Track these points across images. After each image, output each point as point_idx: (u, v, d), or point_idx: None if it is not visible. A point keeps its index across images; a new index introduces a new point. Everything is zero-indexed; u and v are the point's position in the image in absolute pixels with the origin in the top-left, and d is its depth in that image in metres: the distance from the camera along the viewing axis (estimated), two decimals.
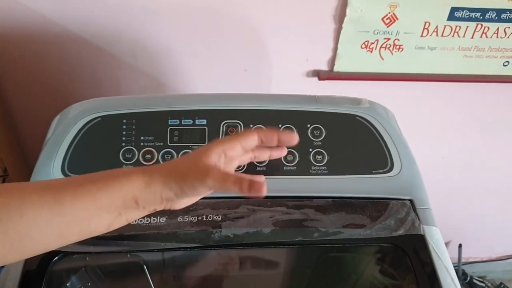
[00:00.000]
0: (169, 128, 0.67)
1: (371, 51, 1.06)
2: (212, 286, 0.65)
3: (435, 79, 1.11)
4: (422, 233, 0.62)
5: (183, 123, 0.67)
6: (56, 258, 0.58)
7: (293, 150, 0.67)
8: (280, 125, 0.68)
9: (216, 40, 1.03)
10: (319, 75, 1.09)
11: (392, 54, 1.06)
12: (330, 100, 0.71)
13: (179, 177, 0.46)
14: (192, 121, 0.67)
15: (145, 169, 0.47)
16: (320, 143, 0.68)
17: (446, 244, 1.56)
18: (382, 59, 1.07)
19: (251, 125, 0.68)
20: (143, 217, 0.61)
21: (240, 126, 0.68)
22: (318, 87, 1.11)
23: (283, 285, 0.66)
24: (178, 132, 0.67)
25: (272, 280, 0.66)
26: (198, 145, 0.66)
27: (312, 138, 0.68)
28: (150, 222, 0.61)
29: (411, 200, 0.66)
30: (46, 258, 0.57)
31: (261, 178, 0.48)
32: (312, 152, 0.68)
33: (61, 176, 0.64)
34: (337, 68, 1.08)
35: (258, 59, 1.07)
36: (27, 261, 0.56)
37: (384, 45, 1.05)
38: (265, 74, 1.09)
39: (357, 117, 0.70)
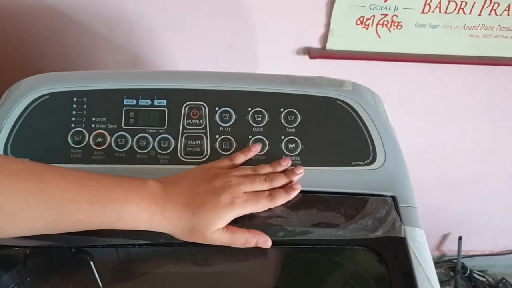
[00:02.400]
0: (124, 109, 0.60)
1: (367, 28, 0.97)
2: (164, 285, 0.59)
3: (437, 60, 1.02)
4: (403, 236, 0.55)
5: (140, 103, 0.60)
6: None
7: (262, 137, 0.60)
8: (249, 108, 0.61)
9: (198, 12, 0.95)
10: (310, 53, 1.01)
11: (390, 31, 0.98)
12: (308, 82, 0.63)
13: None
14: (150, 102, 0.60)
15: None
16: (293, 129, 0.61)
17: (445, 236, 1.49)
18: (379, 37, 0.98)
19: (217, 108, 0.60)
20: None
21: (204, 108, 0.60)
22: (309, 66, 1.02)
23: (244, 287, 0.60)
24: (134, 114, 0.60)
25: (233, 281, 0.59)
26: (156, 129, 0.59)
27: (285, 124, 0.61)
28: None
29: (393, 197, 0.59)
30: None
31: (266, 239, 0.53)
32: (284, 140, 0.60)
33: None
34: (329, 45, 1.00)
35: (244, 34, 0.99)
36: None
37: (381, 22, 0.96)
38: (252, 51, 1.01)
39: (337, 101, 0.62)
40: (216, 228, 0.50)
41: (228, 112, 0.61)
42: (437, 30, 0.97)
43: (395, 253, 0.54)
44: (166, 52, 1.00)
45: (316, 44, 1.01)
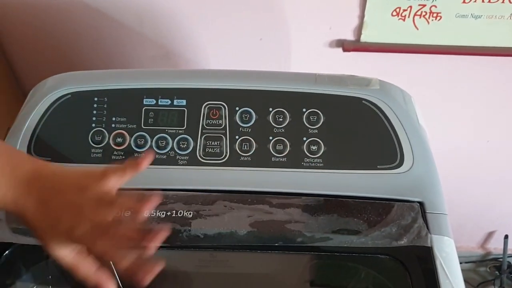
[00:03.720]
0: (144, 109, 0.59)
1: (404, 19, 0.93)
2: (185, 284, 0.59)
3: (479, 52, 0.96)
4: (429, 245, 0.52)
5: (159, 103, 0.59)
6: (10, 249, 0.52)
7: (283, 139, 0.58)
8: (270, 109, 0.59)
9: (229, 5, 0.94)
10: (343, 45, 0.98)
11: (428, 23, 0.93)
12: (333, 80, 0.61)
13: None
14: (170, 102, 0.59)
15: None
16: (316, 131, 0.58)
17: (491, 234, 1.43)
18: (417, 28, 0.94)
19: (237, 108, 0.59)
20: None
21: (224, 108, 0.59)
22: (342, 59, 0.99)
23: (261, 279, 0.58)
24: (153, 114, 0.59)
25: (248, 284, 0.58)
26: (175, 129, 0.59)
27: (308, 125, 0.59)
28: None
29: (421, 203, 0.56)
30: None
31: None
32: (307, 142, 0.58)
33: None
34: (364, 38, 0.96)
35: (275, 26, 0.97)
36: None
37: (418, 13, 0.91)
38: (283, 44, 0.99)
39: (363, 101, 0.59)
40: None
41: (248, 112, 0.59)
42: (479, 20, 0.92)
43: (420, 263, 0.51)
44: (197, 46, 1.00)
45: (349, 36, 0.97)
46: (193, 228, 0.53)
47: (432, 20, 0.92)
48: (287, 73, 0.62)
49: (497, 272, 1.47)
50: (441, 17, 0.92)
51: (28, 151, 0.58)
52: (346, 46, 0.98)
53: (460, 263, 1.47)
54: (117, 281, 0.57)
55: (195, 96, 0.59)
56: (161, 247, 0.51)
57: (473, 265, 1.52)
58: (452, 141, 1.16)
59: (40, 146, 0.59)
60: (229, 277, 0.61)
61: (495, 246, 1.48)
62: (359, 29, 0.95)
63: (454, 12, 0.91)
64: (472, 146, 1.18)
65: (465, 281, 1.46)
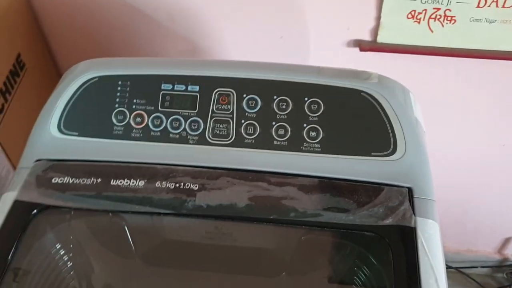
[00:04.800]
0: (161, 93, 0.66)
1: (419, 22, 0.96)
2: (187, 253, 0.65)
3: (494, 56, 0.99)
4: (413, 226, 0.56)
5: (175, 88, 0.66)
6: (36, 210, 0.59)
7: (285, 124, 0.63)
8: (275, 97, 0.64)
9: (253, 4, 1.00)
10: (360, 45, 1.02)
11: (443, 26, 0.96)
12: (334, 73, 0.65)
13: None
14: (184, 87, 0.66)
15: None
16: (316, 118, 0.63)
17: (508, 239, 1.43)
18: (432, 31, 0.97)
19: (244, 95, 0.65)
20: (123, 179, 0.61)
21: (233, 94, 0.65)
22: (359, 58, 1.03)
23: (259, 263, 0.64)
24: (169, 97, 0.65)
25: (248, 257, 0.63)
26: (188, 112, 0.65)
27: (308, 113, 0.64)
28: (129, 184, 0.61)
29: (409, 189, 0.60)
30: (27, 210, 0.59)
31: None
32: (306, 128, 0.63)
33: (58, 134, 0.66)
34: (380, 39, 1.00)
35: (296, 25, 1.02)
36: (9, 213, 0.59)
37: (433, 16, 0.95)
38: (303, 42, 1.04)
39: (361, 93, 0.64)
40: None
41: (254, 99, 0.65)
42: (494, 25, 0.94)
43: (402, 242, 0.55)
44: (221, 42, 1.06)
45: (366, 37, 1.01)
46: (198, 199, 0.59)
47: (447, 23, 0.96)
48: (292, 65, 0.67)
49: None
50: (455, 20, 0.95)
51: (58, 126, 0.66)
52: (363, 46, 1.02)
53: (476, 267, 1.49)
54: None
55: (207, 83, 0.65)
56: (168, 214, 0.58)
57: (489, 270, 1.52)
58: (465, 145, 1.19)
59: (69, 122, 0.66)
60: (231, 249, 0.66)
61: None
62: (375, 30, 1.00)
63: (468, 16, 0.94)
64: (486, 150, 1.20)
65: (481, 286, 1.47)
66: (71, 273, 0.63)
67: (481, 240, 1.47)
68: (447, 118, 1.13)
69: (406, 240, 0.55)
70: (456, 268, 1.49)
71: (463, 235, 1.46)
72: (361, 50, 1.02)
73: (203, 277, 0.66)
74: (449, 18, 0.95)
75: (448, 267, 1.48)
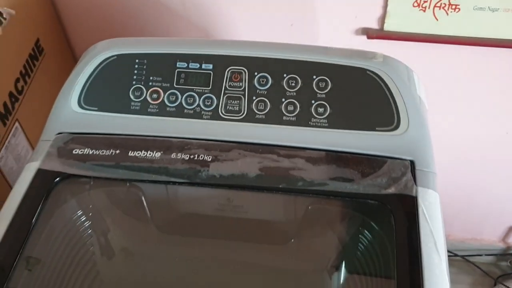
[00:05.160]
0: (176, 71, 0.69)
1: (424, 10, 0.99)
2: (199, 223, 0.68)
3: (497, 44, 1.01)
4: (414, 195, 0.59)
5: (190, 66, 0.69)
6: (60, 178, 0.63)
7: (294, 101, 0.67)
8: (285, 75, 0.68)
9: None
10: (367, 33, 1.05)
11: (447, 14, 0.99)
12: (342, 52, 0.69)
13: None
14: (199, 65, 0.69)
15: None
16: (324, 95, 0.67)
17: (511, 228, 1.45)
18: (437, 19, 1.00)
19: (256, 73, 0.68)
20: (140, 150, 0.65)
21: (245, 72, 0.68)
22: (367, 46, 1.06)
23: (269, 232, 0.67)
24: (184, 75, 0.69)
25: (258, 226, 0.67)
26: (202, 89, 0.68)
27: (317, 90, 0.67)
28: (146, 155, 0.64)
29: (412, 161, 0.63)
30: (50, 178, 0.63)
31: None
32: (315, 104, 0.67)
33: (78, 109, 0.70)
34: (387, 27, 1.03)
35: (306, 14, 1.05)
36: (33, 180, 0.62)
37: (438, 4, 0.98)
38: (312, 30, 1.07)
39: (367, 71, 0.67)
40: None
41: (265, 77, 0.68)
42: (496, 13, 0.97)
43: (404, 209, 0.59)
44: (232, 29, 1.09)
45: (374, 25, 1.04)
46: (211, 169, 0.62)
47: (451, 12, 0.98)
48: (301, 45, 0.70)
49: None
50: (459, 9, 0.98)
51: (79, 102, 0.70)
52: (370, 34, 1.05)
53: (481, 255, 1.51)
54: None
55: (220, 62, 0.69)
56: (183, 183, 0.61)
57: (494, 259, 1.55)
58: (470, 132, 1.21)
59: (89, 98, 0.70)
60: (242, 220, 0.70)
61: None
62: (382, 19, 1.03)
63: (472, 5, 0.97)
64: (490, 138, 1.22)
65: (486, 273, 1.49)
66: (90, 238, 0.67)
67: (485, 229, 1.49)
68: (451, 106, 1.16)
69: (407, 207, 0.58)
70: (462, 256, 1.51)
71: (468, 224, 1.48)
72: (368, 37, 1.05)
73: (214, 245, 0.69)
74: (453, 7, 0.98)
75: (454, 255, 1.51)
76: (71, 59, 1.18)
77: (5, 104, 0.90)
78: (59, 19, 1.12)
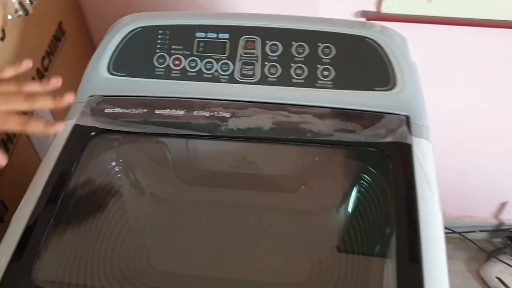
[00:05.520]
0: (196, 40, 0.77)
1: None
2: (217, 176, 0.76)
3: (492, 25, 1.09)
4: (410, 143, 0.67)
5: (208, 36, 0.77)
6: (94, 133, 0.71)
7: (302, 65, 0.75)
8: (293, 42, 0.76)
9: None
10: (367, 15, 1.13)
11: None
12: (344, 23, 0.77)
13: None
14: (216, 35, 0.77)
15: None
16: (328, 60, 0.75)
17: (503, 204, 1.53)
18: (430, 0, 1.08)
19: (267, 41, 0.76)
20: (165, 109, 0.73)
21: (257, 41, 0.76)
22: None
23: (281, 181, 0.75)
24: (203, 44, 0.77)
25: (271, 177, 0.75)
26: (219, 56, 0.76)
27: (322, 56, 0.75)
28: (170, 113, 0.72)
29: (407, 116, 0.71)
30: (85, 132, 0.71)
31: None
32: (320, 68, 0.75)
33: (107, 75, 0.78)
34: (384, 9, 1.11)
35: None
36: (70, 135, 0.70)
37: None
38: (314, 13, 1.15)
39: (366, 39, 0.75)
40: None
41: (276, 45, 0.76)
42: None
43: (400, 155, 0.66)
44: (235, 8, 1.16)
45: (372, 7, 1.12)
46: (230, 123, 0.70)
47: None
48: (307, 17, 0.78)
49: (509, 242, 1.57)
50: None
51: (108, 68, 0.78)
52: (369, 16, 1.13)
53: (474, 231, 1.58)
54: None
55: (236, 32, 0.77)
56: (204, 136, 0.69)
57: (488, 236, 1.62)
58: (462, 110, 1.29)
59: (117, 65, 0.77)
60: (257, 174, 0.78)
61: (508, 217, 1.58)
62: (379, 1, 1.11)
63: None
64: (481, 116, 1.30)
65: (481, 249, 1.55)
66: (121, 182, 0.75)
67: (480, 206, 1.57)
68: (445, 85, 1.23)
69: (403, 153, 0.66)
70: (459, 233, 1.59)
71: (462, 201, 1.55)
72: (368, 19, 1.13)
73: (232, 194, 0.77)
74: None
75: (452, 231, 1.58)
76: (89, 41, 1.26)
77: (33, 79, 0.98)
78: (79, 5, 1.21)
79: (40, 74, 1.01)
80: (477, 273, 1.57)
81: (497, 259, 1.55)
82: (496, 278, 1.52)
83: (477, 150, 1.40)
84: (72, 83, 0.84)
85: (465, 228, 1.61)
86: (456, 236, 1.61)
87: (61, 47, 1.10)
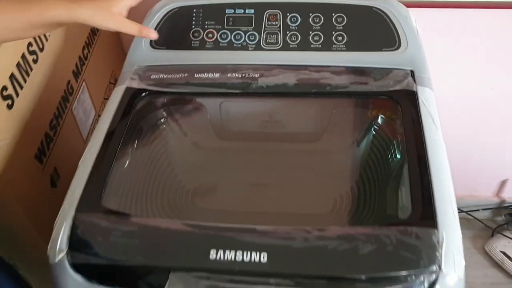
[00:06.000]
0: (226, 16, 0.90)
1: None
2: (247, 133, 0.88)
3: (487, 6, 1.19)
4: (415, 90, 0.79)
5: (236, 12, 0.90)
6: (144, 94, 0.83)
7: (319, 33, 0.87)
8: (310, 14, 0.88)
9: None
10: None
11: None
12: None
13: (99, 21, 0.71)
14: (243, 11, 0.89)
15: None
16: (341, 27, 0.87)
17: (504, 182, 1.62)
18: None
19: (288, 13, 0.88)
20: (203, 73, 0.84)
21: (279, 14, 0.89)
22: None
23: (304, 133, 0.87)
24: (232, 19, 0.89)
25: (295, 133, 0.86)
26: (247, 28, 0.89)
27: (335, 24, 0.87)
28: (208, 75, 0.84)
29: (412, 70, 0.83)
30: (136, 93, 0.82)
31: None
32: (335, 34, 0.87)
33: (150, 49, 0.90)
34: None
35: None
36: (123, 96, 0.82)
37: None
38: None
39: (373, 8, 0.87)
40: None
41: (295, 16, 0.88)
42: None
43: (408, 100, 0.78)
44: None
45: None
46: (259, 81, 0.82)
47: None
48: None
49: (511, 218, 1.67)
50: None
51: (150, 43, 0.90)
52: None
53: (477, 210, 1.67)
54: None
55: (260, 7, 0.89)
56: (237, 94, 0.81)
57: (490, 214, 1.71)
58: (462, 89, 1.38)
59: (158, 40, 0.89)
60: (283, 132, 0.90)
61: (510, 195, 1.67)
62: None
63: None
64: (479, 94, 1.39)
65: (486, 226, 1.63)
66: (166, 133, 0.87)
67: (481, 185, 1.66)
68: (444, 67, 1.34)
69: (410, 99, 0.78)
70: (466, 212, 1.68)
71: (464, 180, 1.64)
72: None
73: (262, 146, 0.89)
74: None
75: (459, 211, 1.67)
76: (119, 35, 1.39)
77: (76, 65, 1.10)
78: None
79: (82, 62, 1.13)
80: (482, 249, 1.66)
81: (501, 234, 1.64)
82: (500, 252, 1.61)
83: (475, 127, 1.48)
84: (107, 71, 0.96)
85: (469, 207, 1.70)
86: (462, 215, 1.70)
87: (97, 39, 1.23)
